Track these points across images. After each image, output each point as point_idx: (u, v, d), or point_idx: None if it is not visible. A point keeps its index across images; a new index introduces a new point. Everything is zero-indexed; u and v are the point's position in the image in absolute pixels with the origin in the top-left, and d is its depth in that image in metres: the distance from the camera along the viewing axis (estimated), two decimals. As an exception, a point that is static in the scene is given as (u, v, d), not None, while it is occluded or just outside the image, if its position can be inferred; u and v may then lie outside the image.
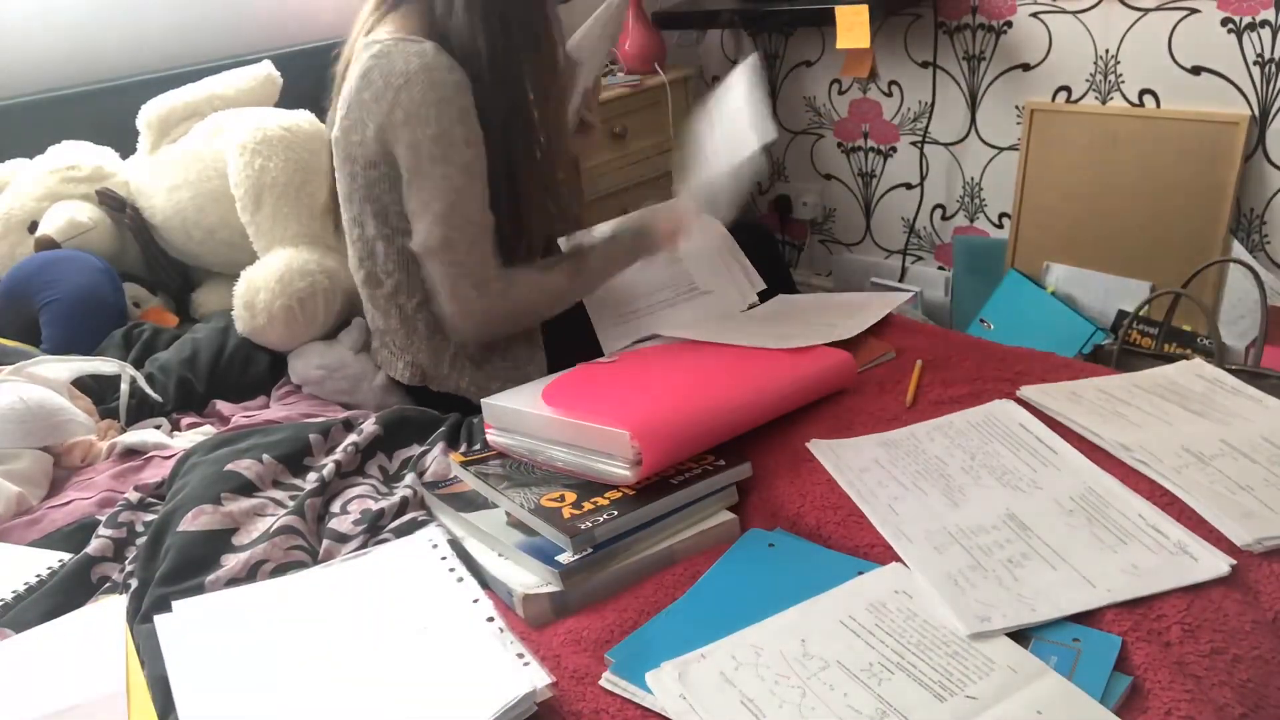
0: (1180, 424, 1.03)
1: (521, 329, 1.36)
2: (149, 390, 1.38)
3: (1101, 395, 1.10)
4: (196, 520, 1.00)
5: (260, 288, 1.46)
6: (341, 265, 1.52)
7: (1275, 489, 0.91)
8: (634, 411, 0.98)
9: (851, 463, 1.02)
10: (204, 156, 1.68)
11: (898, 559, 0.87)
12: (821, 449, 1.05)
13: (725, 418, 1.04)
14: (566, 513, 0.92)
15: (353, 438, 1.17)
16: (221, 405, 1.41)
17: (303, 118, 1.64)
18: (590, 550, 0.89)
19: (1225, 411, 1.05)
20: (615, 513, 0.91)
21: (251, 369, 1.48)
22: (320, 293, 1.47)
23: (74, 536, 1.07)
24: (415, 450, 1.19)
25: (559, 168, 1.37)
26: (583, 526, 0.89)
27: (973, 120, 2.38)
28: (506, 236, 1.30)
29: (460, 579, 0.89)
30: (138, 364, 1.45)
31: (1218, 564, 0.82)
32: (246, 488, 1.08)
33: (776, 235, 2.88)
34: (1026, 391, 1.12)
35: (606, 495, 0.95)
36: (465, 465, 1.07)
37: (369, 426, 1.19)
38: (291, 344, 1.49)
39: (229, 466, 1.09)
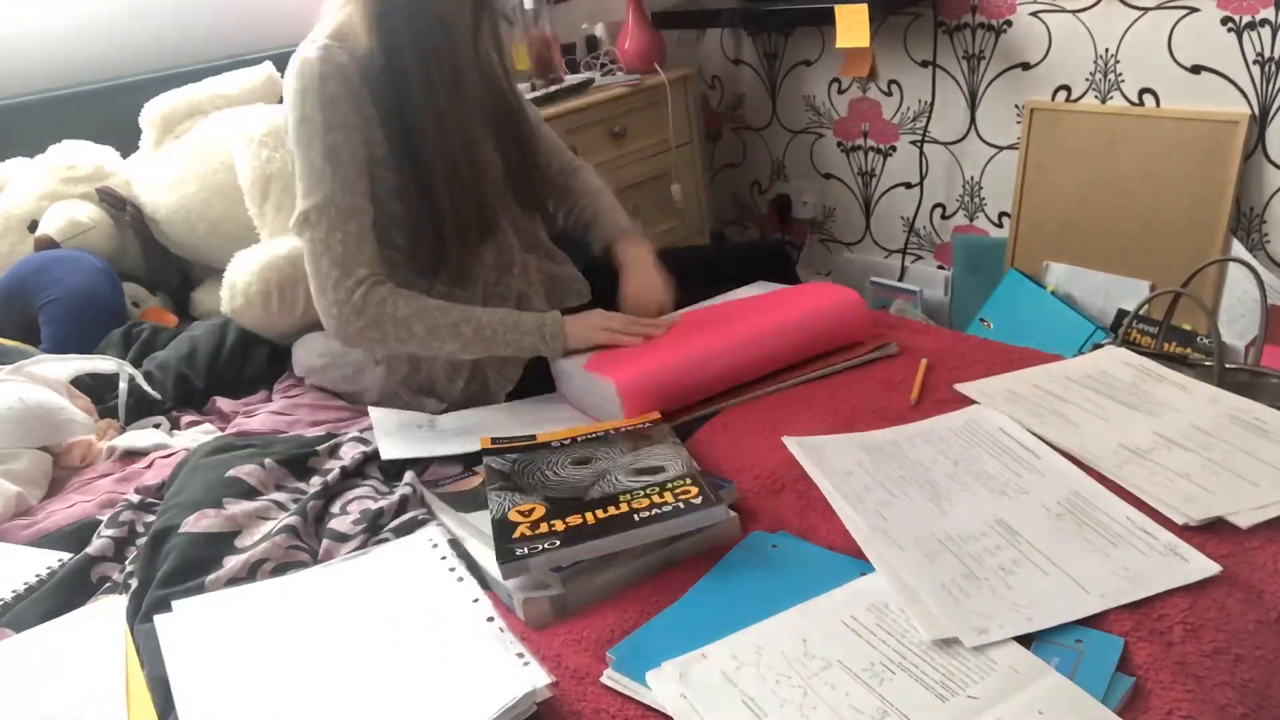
0: (1115, 419, 1.05)
1: (388, 348, 1.28)
2: (148, 388, 1.38)
3: (1037, 391, 1.12)
4: (199, 523, 1.00)
5: (245, 270, 1.47)
6: None
7: (1212, 474, 0.93)
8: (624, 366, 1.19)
9: (834, 465, 1.01)
10: (210, 150, 1.68)
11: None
12: (797, 446, 1.05)
13: (711, 364, 1.20)
14: (520, 531, 0.90)
15: (361, 448, 1.16)
16: (222, 402, 1.40)
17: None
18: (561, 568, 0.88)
19: (1154, 401, 1.07)
20: (557, 543, 0.88)
21: (250, 363, 1.48)
22: (301, 281, 1.47)
23: (74, 536, 1.07)
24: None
25: (483, 181, 1.31)
26: (518, 552, 0.86)
27: (972, 119, 2.38)
28: (425, 244, 1.29)
29: (460, 579, 0.89)
30: (136, 363, 1.44)
31: (1208, 564, 0.82)
32: (249, 492, 1.07)
33: (781, 237, 2.88)
34: (963, 387, 1.13)
35: (569, 519, 0.92)
36: (489, 452, 1.07)
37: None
38: (269, 329, 1.50)
39: (231, 472, 1.08)
